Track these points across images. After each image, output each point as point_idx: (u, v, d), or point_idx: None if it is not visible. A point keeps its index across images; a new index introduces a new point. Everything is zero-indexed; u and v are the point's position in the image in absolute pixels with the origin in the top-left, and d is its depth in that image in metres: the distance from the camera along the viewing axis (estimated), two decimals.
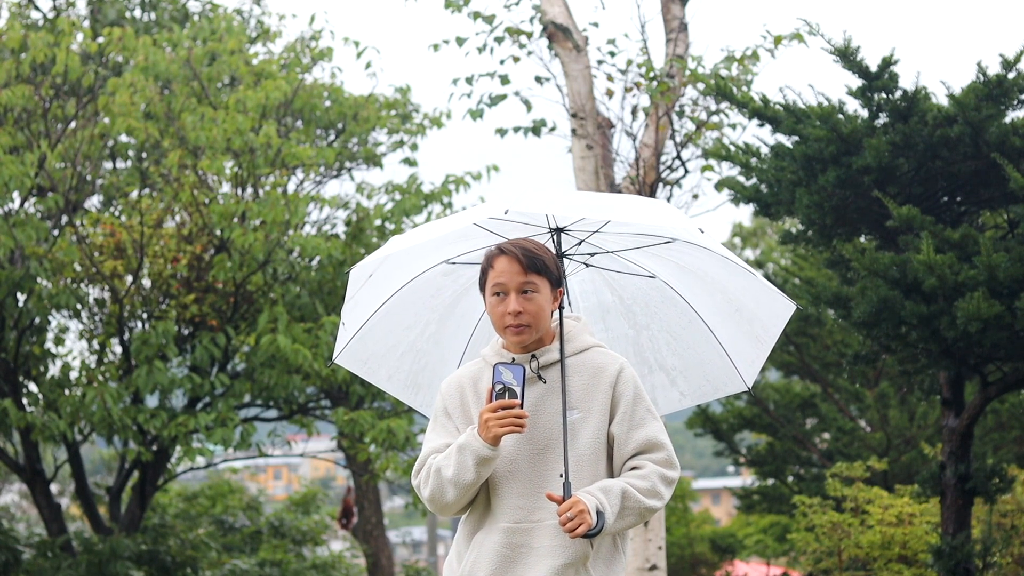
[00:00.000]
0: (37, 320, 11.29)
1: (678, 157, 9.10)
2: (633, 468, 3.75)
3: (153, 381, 10.53)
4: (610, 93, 9.14)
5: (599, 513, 3.61)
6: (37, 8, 14.28)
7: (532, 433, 3.77)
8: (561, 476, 3.70)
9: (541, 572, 3.69)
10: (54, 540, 11.87)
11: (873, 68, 7.84)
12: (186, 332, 11.50)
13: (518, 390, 3.65)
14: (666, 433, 3.83)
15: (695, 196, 9.42)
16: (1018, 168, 7.38)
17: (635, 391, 3.80)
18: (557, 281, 3.87)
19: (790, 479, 16.22)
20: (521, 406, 3.65)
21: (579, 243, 4.21)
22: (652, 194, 8.93)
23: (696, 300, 4.28)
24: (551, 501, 3.65)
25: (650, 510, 3.69)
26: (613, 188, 8.98)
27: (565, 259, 4.21)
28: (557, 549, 3.70)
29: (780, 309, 4.24)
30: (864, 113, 7.96)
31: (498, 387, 3.66)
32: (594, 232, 4.18)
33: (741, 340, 4.30)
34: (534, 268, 3.79)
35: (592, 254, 4.29)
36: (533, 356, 3.83)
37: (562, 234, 4.17)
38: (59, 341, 11.62)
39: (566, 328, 3.90)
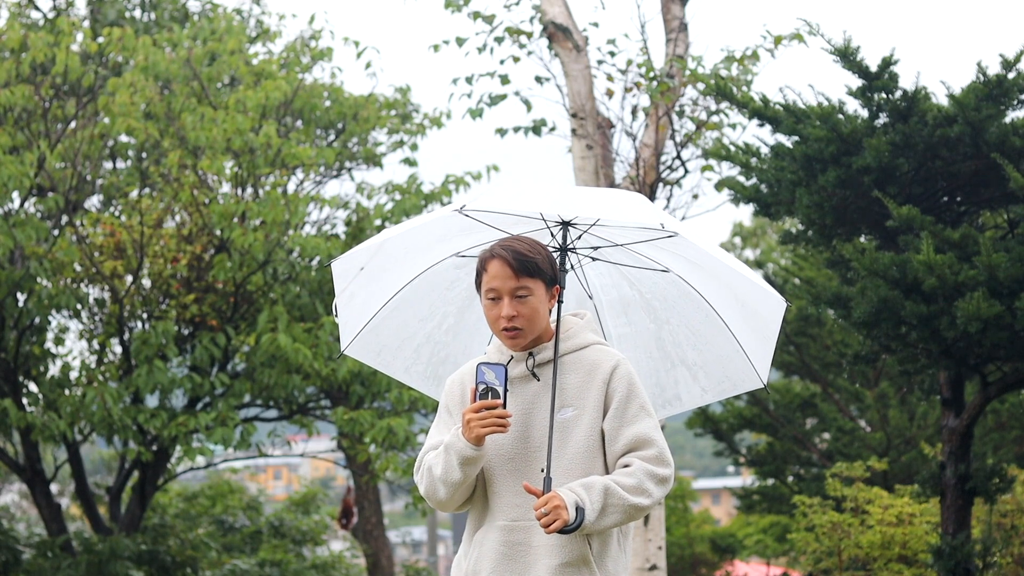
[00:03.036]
0: (37, 320, 11.29)
1: (678, 157, 9.10)
2: (623, 466, 3.73)
3: (153, 381, 10.53)
4: (610, 93, 9.14)
5: (579, 509, 3.60)
6: (37, 8, 14.28)
7: (528, 432, 3.78)
8: (542, 471, 3.70)
9: (541, 572, 3.70)
10: (54, 540, 11.87)
11: (873, 68, 7.84)
12: (186, 332, 11.50)
13: (500, 390, 3.66)
14: (660, 431, 3.80)
15: (695, 196, 9.42)
16: (1018, 168, 7.38)
17: (629, 388, 3.78)
18: (552, 280, 3.87)
19: (790, 479, 16.22)
20: (504, 406, 3.66)
21: (579, 236, 4.21)
22: (652, 194, 8.92)
23: (710, 295, 4.27)
24: (529, 494, 3.66)
25: (637, 507, 3.67)
26: (613, 188, 8.98)
27: (571, 253, 4.20)
28: (555, 548, 3.69)
29: (774, 306, 4.24)
30: (864, 113, 7.96)
31: (481, 387, 3.67)
32: (593, 224, 4.16)
33: (751, 336, 4.29)
34: (526, 271, 3.79)
35: (597, 247, 4.28)
36: (530, 354, 3.84)
37: (568, 228, 4.15)
38: (59, 341, 11.62)
39: (567, 325, 3.90)
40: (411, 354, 4.42)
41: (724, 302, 4.27)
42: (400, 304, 4.32)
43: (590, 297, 4.38)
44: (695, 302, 4.29)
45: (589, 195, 4.18)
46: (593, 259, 4.34)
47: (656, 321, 4.41)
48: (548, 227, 4.14)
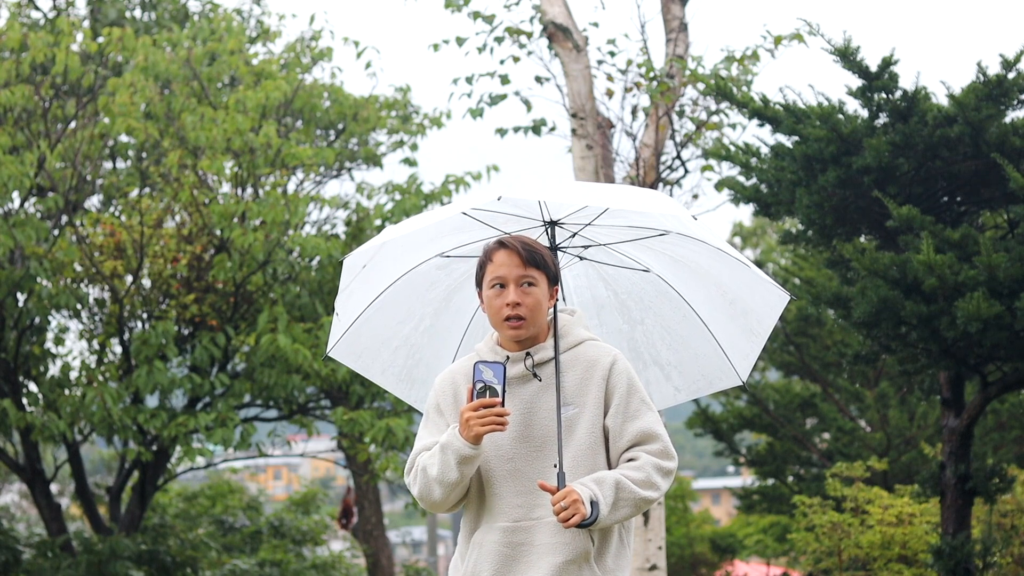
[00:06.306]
0: (37, 320, 11.29)
1: (678, 157, 9.10)
2: (629, 460, 3.74)
3: (153, 381, 10.53)
4: (610, 93, 9.14)
5: (593, 503, 3.61)
6: (37, 8, 14.28)
7: (529, 431, 3.77)
8: (555, 467, 3.70)
9: (543, 569, 3.69)
10: (54, 540, 11.87)
11: (873, 68, 7.84)
12: (186, 332, 11.50)
13: (499, 388, 3.64)
14: (662, 424, 3.83)
15: (695, 196, 9.43)
16: (1018, 168, 7.38)
17: (629, 383, 3.79)
18: (554, 278, 3.87)
19: (790, 479, 16.23)
20: (502, 404, 3.65)
21: (572, 235, 4.21)
22: None
23: (690, 294, 4.29)
24: (545, 492, 3.65)
25: (646, 501, 3.69)
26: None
27: (559, 252, 4.21)
28: (558, 546, 3.69)
29: (774, 300, 4.24)
30: (864, 113, 7.96)
31: (479, 385, 3.65)
32: (587, 225, 4.18)
33: (735, 333, 4.30)
34: (533, 262, 3.80)
35: (586, 247, 4.30)
36: (528, 354, 3.83)
37: (556, 227, 4.17)
38: (59, 341, 11.62)
39: (560, 323, 3.90)
40: (388, 356, 4.43)
41: (706, 300, 4.28)
42: (382, 306, 4.32)
43: (563, 299, 4.38)
44: (673, 301, 4.32)
45: (615, 190, 4.19)
46: (581, 259, 4.35)
47: (629, 322, 4.43)
48: (544, 225, 4.15)
